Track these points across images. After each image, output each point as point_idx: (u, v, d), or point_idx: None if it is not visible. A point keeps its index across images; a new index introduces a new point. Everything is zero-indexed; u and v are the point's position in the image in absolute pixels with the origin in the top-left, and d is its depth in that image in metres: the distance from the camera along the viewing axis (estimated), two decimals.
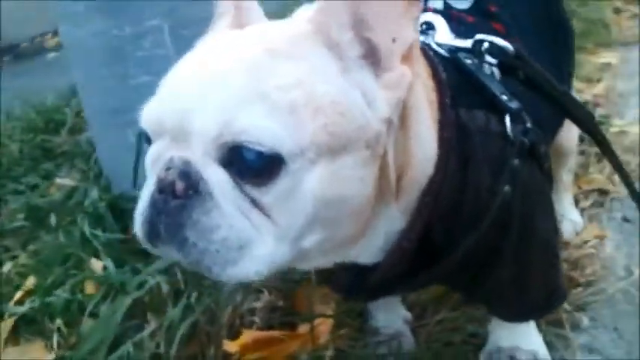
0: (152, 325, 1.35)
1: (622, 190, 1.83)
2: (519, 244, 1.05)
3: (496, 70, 1.07)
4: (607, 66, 2.73)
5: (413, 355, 1.32)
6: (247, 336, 1.32)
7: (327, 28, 0.83)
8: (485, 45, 1.05)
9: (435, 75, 0.97)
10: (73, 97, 2.79)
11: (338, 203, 0.83)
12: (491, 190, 0.99)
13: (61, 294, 1.50)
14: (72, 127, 2.48)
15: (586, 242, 1.55)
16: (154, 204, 0.81)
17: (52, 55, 3.90)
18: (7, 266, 1.69)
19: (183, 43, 1.58)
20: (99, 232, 1.61)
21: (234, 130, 0.76)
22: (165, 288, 1.39)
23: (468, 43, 1.07)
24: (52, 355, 1.39)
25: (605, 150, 1.11)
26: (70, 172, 2.10)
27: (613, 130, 2.06)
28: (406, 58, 0.84)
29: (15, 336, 1.48)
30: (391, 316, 1.39)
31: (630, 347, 1.39)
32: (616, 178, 1.86)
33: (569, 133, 1.57)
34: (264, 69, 0.80)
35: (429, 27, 1.12)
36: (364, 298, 1.30)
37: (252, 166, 0.77)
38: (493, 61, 1.05)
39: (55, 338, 1.44)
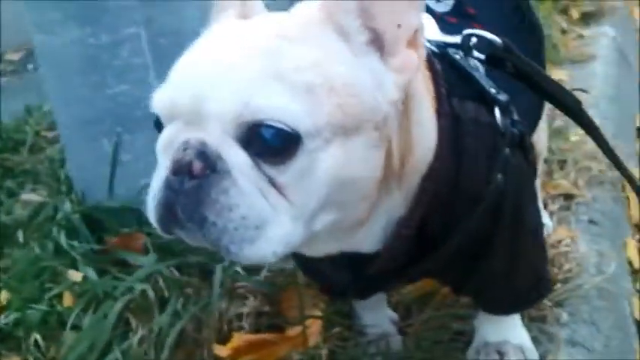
0: (139, 332, 1.33)
1: (587, 194, 1.90)
2: (510, 233, 1.08)
3: (480, 65, 1.11)
4: (560, 82, 2.83)
5: (403, 354, 1.33)
6: (238, 339, 1.31)
7: (336, 15, 0.86)
8: (474, 40, 1.09)
9: (431, 66, 1.00)
10: (29, 117, 2.76)
11: (350, 184, 0.85)
12: (484, 179, 1.02)
13: (38, 307, 1.47)
14: (32, 146, 2.44)
15: (560, 242, 1.59)
16: (169, 186, 0.81)
17: (4, 79, 3.83)
18: None
19: (161, 51, 1.59)
20: (75, 244, 1.58)
21: (254, 109, 0.77)
22: (151, 295, 1.37)
23: (456, 39, 1.11)
24: None
25: (594, 135, 1.16)
26: (34, 189, 2.05)
27: (574, 138, 2.13)
28: (411, 43, 0.87)
29: None
30: (378, 316, 1.40)
31: (608, 341, 1.43)
32: (580, 182, 1.94)
33: (539, 137, 1.62)
34: (279, 52, 0.81)
35: None
36: (355, 297, 1.31)
37: (271, 144, 0.78)
38: (481, 56, 1.09)
39: (33, 353, 1.41)
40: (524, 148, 1.09)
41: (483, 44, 1.09)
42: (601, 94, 2.63)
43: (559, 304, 1.45)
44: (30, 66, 3.91)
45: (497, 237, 1.07)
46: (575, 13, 3.72)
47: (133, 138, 1.65)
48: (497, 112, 1.05)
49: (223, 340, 1.36)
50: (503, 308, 1.25)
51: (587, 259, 1.60)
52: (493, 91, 1.06)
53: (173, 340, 1.32)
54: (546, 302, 1.41)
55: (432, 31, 1.14)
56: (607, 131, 1.93)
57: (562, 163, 2.03)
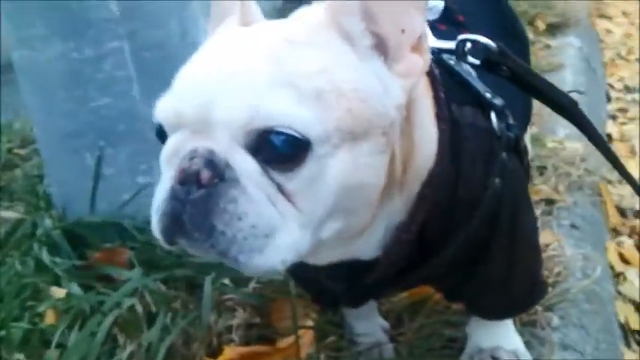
0: (128, 348, 1.30)
1: (567, 199, 1.92)
2: (507, 238, 1.08)
3: (472, 71, 1.11)
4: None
5: None
6: (230, 352, 1.29)
7: (341, 20, 0.85)
8: (468, 45, 1.09)
9: (429, 71, 1.00)
10: (0, 134, 2.70)
11: (357, 190, 0.84)
12: (482, 184, 1.02)
13: (19, 325, 1.42)
14: (5, 163, 2.38)
15: (547, 245, 1.61)
16: (175, 196, 0.79)
17: None
18: None
19: (145, 64, 1.58)
20: (57, 260, 1.54)
21: (264, 115, 0.76)
22: (139, 310, 1.34)
23: (450, 45, 1.11)
24: None
25: (592, 136, 1.17)
26: (11, 207, 2.00)
27: (551, 145, 2.15)
28: (416, 48, 0.87)
29: None
30: (369, 325, 1.39)
31: (597, 344, 1.45)
32: (560, 188, 1.96)
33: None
34: (287, 57, 0.80)
35: None
36: (347, 305, 1.30)
37: (281, 151, 0.77)
38: (475, 61, 1.10)
39: None
40: (519, 152, 1.10)
41: (478, 49, 1.09)
42: None
43: (549, 308, 1.46)
44: None
45: (495, 241, 1.07)
46: (541, 25, 3.81)
47: (115, 152, 1.62)
48: (493, 116, 1.05)
49: (213, 353, 1.34)
50: (497, 313, 1.25)
51: (574, 263, 1.61)
52: (489, 95, 1.06)
53: (163, 355, 1.29)
54: (537, 306, 1.41)
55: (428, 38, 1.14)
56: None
57: (542, 169, 2.05)
